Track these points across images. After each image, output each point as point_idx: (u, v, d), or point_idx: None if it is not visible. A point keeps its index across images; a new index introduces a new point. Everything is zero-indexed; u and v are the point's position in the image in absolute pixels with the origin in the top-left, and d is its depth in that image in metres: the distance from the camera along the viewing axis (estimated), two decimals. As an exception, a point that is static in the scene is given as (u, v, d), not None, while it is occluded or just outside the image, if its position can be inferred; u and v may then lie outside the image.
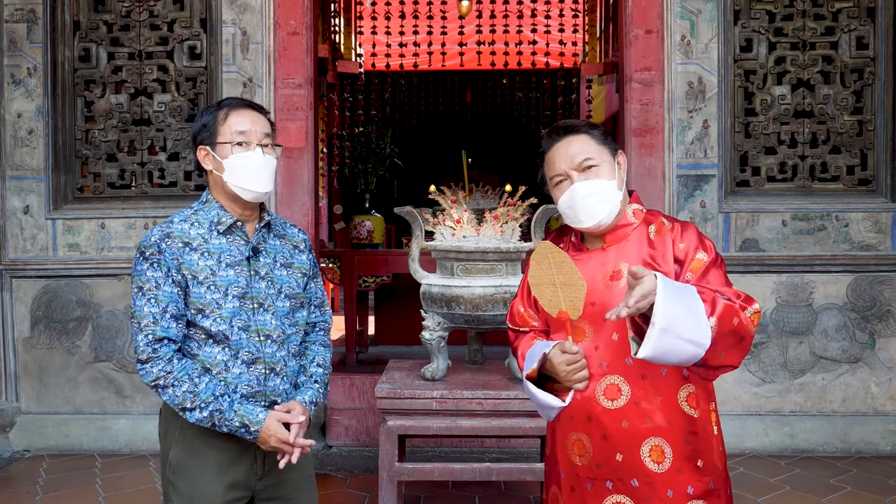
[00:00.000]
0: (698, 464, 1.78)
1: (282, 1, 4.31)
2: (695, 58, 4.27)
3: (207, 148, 2.01)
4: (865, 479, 3.88)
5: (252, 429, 1.92)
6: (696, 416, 1.79)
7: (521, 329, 2.02)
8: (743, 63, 4.36)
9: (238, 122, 2.00)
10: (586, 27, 5.70)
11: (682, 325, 1.62)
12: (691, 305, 1.65)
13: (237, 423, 1.91)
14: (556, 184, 1.87)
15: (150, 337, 1.90)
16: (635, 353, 1.67)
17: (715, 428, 1.83)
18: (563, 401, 1.84)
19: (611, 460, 1.80)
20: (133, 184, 4.53)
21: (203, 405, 1.90)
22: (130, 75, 4.46)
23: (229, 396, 1.93)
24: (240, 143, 1.99)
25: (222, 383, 1.94)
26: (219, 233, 2.00)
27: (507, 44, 7.63)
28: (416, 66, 7.07)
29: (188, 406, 1.90)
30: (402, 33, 7.64)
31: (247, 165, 1.98)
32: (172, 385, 1.90)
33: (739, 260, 4.29)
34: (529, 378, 1.88)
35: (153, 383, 1.92)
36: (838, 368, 4.32)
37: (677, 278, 1.78)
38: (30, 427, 4.42)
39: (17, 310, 4.45)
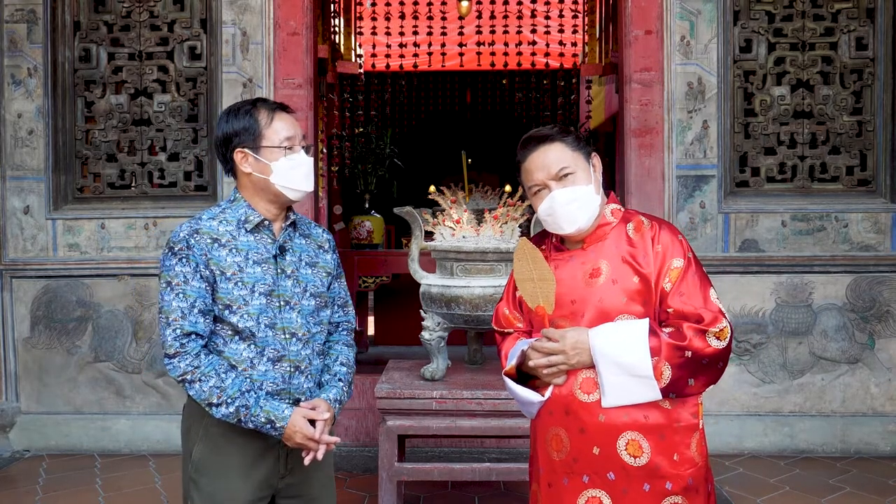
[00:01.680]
0: (674, 458, 1.79)
1: (282, 1, 4.31)
2: (694, 58, 4.28)
3: (248, 151, 2.02)
4: (865, 479, 3.88)
5: (278, 425, 1.93)
6: (671, 409, 1.81)
7: (506, 331, 2.04)
8: (742, 63, 4.37)
9: (284, 128, 2.03)
10: (586, 28, 5.71)
11: (624, 358, 1.77)
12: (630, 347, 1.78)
13: (263, 419, 1.92)
14: (534, 193, 1.91)
15: (178, 332, 1.92)
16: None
17: (699, 422, 1.85)
18: (543, 395, 1.87)
19: (588, 454, 1.82)
20: (133, 184, 4.53)
21: (229, 401, 1.90)
22: (130, 76, 4.47)
23: (255, 392, 1.94)
24: (289, 148, 2.02)
25: (248, 380, 1.95)
26: (246, 231, 2.02)
27: (506, 44, 7.63)
28: (415, 66, 7.07)
29: (214, 401, 1.91)
30: (401, 34, 7.64)
31: (296, 167, 2.02)
32: (199, 380, 1.91)
33: (739, 260, 4.30)
34: (509, 375, 1.93)
35: (180, 378, 1.93)
36: (838, 369, 4.32)
37: (657, 283, 1.82)
38: (30, 427, 4.42)
39: (18, 310, 4.45)
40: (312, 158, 2.09)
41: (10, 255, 4.45)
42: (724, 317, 1.80)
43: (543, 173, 1.87)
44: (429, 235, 3.45)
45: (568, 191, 1.84)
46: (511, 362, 1.91)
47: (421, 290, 3.35)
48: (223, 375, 1.92)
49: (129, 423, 4.37)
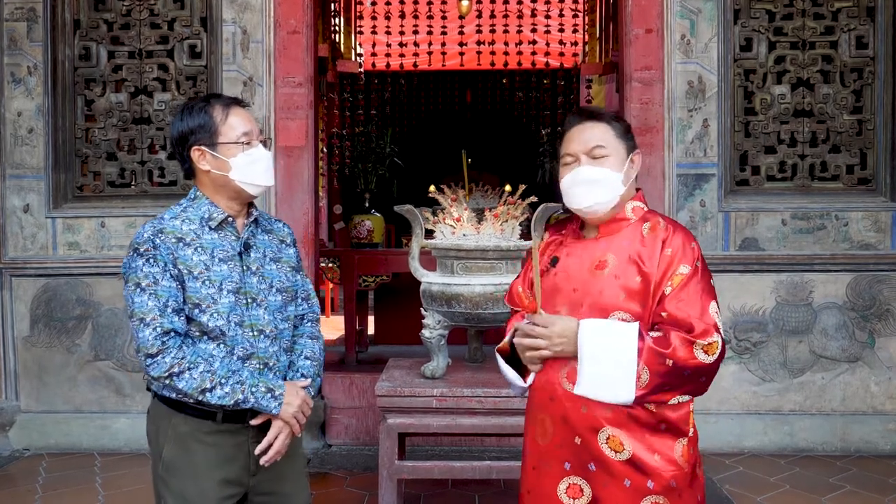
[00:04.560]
0: (655, 458, 1.78)
1: (282, 0, 4.31)
2: (695, 57, 4.27)
3: (205, 148, 2.01)
4: (865, 478, 3.88)
5: (277, 392, 1.95)
6: (656, 410, 1.79)
7: (516, 309, 2.06)
8: (743, 62, 4.37)
9: (240, 123, 2.02)
10: (586, 27, 5.71)
11: (609, 354, 1.77)
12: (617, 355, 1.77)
13: (263, 389, 1.94)
14: (565, 163, 1.91)
15: (159, 330, 1.89)
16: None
17: (690, 429, 1.82)
18: (525, 382, 1.90)
19: (570, 442, 1.83)
20: (133, 182, 4.53)
21: (223, 381, 1.90)
22: (131, 74, 4.46)
23: (246, 368, 1.95)
24: (246, 143, 2.02)
25: (232, 362, 1.96)
26: (210, 228, 2.01)
27: (507, 44, 7.62)
28: (416, 65, 7.07)
29: (208, 386, 1.89)
30: (402, 33, 7.63)
31: (255, 162, 2.02)
32: (189, 369, 1.89)
33: (739, 259, 4.30)
34: (501, 351, 1.95)
35: (167, 373, 1.88)
36: (838, 367, 4.32)
37: (658, 285, 1.79)
38: (29, 426, 4.42)
39: (17, 308, 4.45)
40: (271, 152, 2.09)
41: (10, 253, 4.44)
42: (718, 332, 1.76)
43: (580, 146, 1.86)
44: (429, 234, 3.45)
45: (595, 170, 1.84)
46: (507, 338, 1.95)
47: (421, 288, 3.35)
48: (210, 360, 1.92)
49: (129, 421, 4.36)
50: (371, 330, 6.32)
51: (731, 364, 4.32)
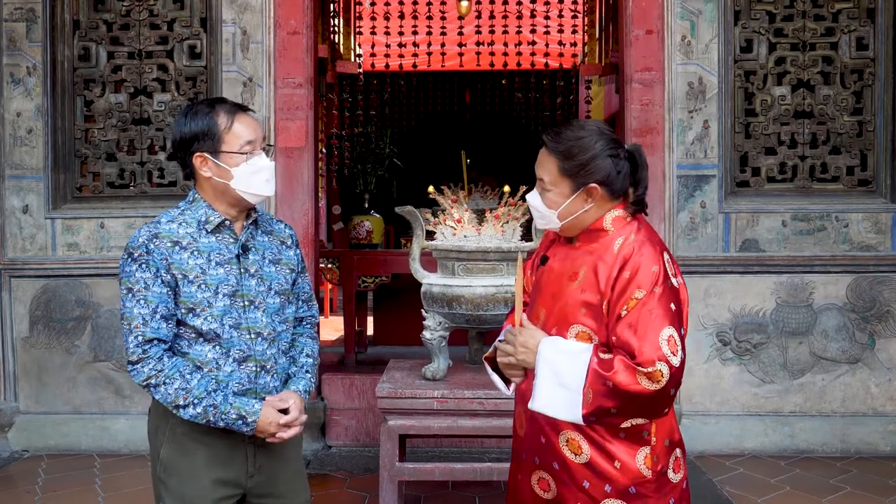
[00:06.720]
0: (615, 464, 1.77)
1: (282, 0, 4.31)
2: (695, 58, 4.28)
3: (207, 155, 1.98)
4: (865, 479, 3.88)
5: (249, 420, 1.92)
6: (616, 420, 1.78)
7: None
8: (743, 63, 4.37)
9: (245, 132, 2.00)
10: (586, 28, 5.71)
11: (560, 372, 1.78)
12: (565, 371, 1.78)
13: (234, 416, 1.91)
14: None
15: (140, 338, 1.90)
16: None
17: (653, 438, 1.79)
18: (508, 390, 1.97)
19: (537, 439, 1.87)
20: (132, 183, 4.52)
21: (196, 401, 1.90)
22: (130, 74, 4.46)
23: (222, 391, 1.94)
24: (250, 153, 2.00)
25: (214, 380, 1.95)
26: (207, 232, 2.00)
27: (506, 44, 7.61)
28: (415, 66, 7.07)
29: (181, 403, 1.90)
30: (401, 34, 7.62)
31: (257, 172, 2.00)
32: (164, 383, 1.90)
33: (739, 260, 4.30)
34: (488, 359, 2.00)
35: (144, 383, 1.92)
36: (838, 369, 4.32)
37: (614, 306, 1.76)
38: (29, 427, 4.41)
39: (16, 309, 4.44)
40: (274, 162, 2.06)
41: (9, 254, 4.43)
42: (665, 361, 1.69)
43: (537, 170, 1.91)
44: (429, 235, 3.44)
45: (535, 200, 1.91)
46: (491, 348, 2.00)
47: (422, 289, 3.34)
48: (188, 377, 1.91)
49: (129, 422, 4.36)
50: (370, 331, 6.31)
51: (731, 365, 4.32)
